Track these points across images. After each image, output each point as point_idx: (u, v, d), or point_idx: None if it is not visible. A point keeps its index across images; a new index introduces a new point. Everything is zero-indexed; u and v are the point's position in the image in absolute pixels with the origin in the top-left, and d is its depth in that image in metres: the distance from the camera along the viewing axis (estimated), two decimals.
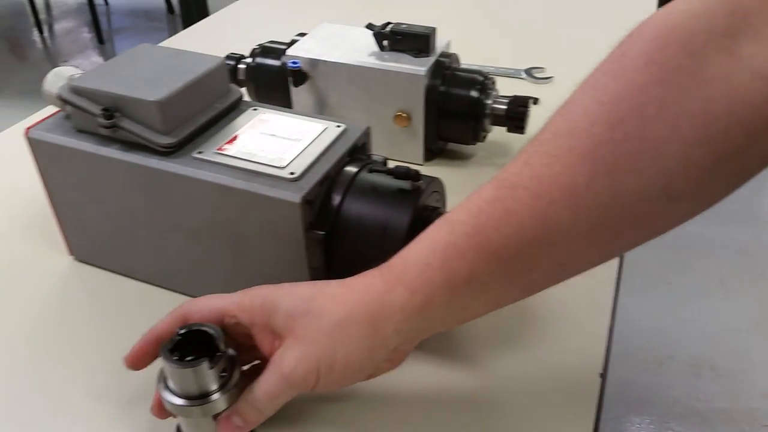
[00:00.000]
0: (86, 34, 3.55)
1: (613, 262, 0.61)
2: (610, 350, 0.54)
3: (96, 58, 3.27)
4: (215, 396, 0.40)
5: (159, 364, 0.41)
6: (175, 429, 0.44)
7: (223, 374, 0.40)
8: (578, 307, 0.57)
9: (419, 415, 0.48)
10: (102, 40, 3.40)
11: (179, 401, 0.40)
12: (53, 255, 0.62)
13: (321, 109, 0.75)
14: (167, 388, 0.40)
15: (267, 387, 0.41)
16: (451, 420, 0.47)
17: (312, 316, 0.41)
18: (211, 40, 1.11)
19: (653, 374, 1.46)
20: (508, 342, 0.53)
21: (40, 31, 3.53)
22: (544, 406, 0.48)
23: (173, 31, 3.71)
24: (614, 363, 0.55)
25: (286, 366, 0.41)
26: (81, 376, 0.51)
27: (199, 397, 0.40)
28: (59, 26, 3.71)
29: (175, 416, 0.42)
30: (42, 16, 3.61)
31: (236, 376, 0.41)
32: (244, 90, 0.78)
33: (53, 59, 3.35)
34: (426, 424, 0.47)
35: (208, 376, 0.39)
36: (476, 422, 0.47)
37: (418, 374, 0.50)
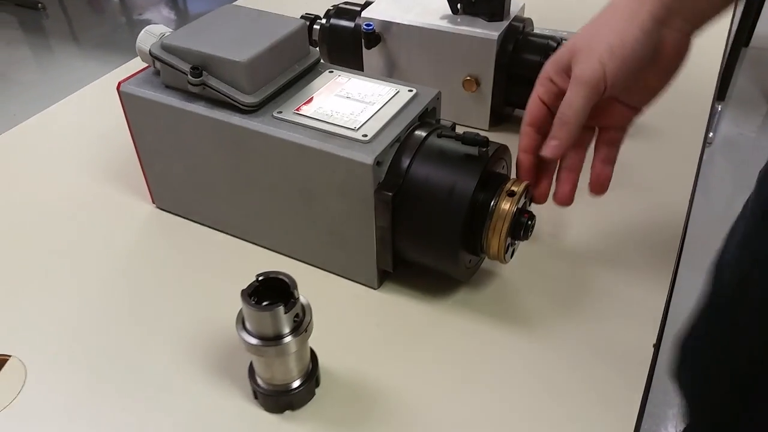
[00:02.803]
0: None
1: (676, 234, 0.61)
2: (665, 324, 0.55)
3: (167, 12, 3.35)
4: (287, 338, 0.43)
5: (235, 308, 0.45)
6: (248, 368, 0.48)
7: (296, 319, 0.44)
8: (637, 278, 0.57)
9: (478, 375, 0.50)
10: None
11: (255, 341, 0.43)
12: (136, 202, 0.67)
13: (390, 72, 0.77)
14: (245, 329, 0.44)
15: (565, 99, 0.49)
16: (507, 383, 0.50)
17: (586, 30, 0.49)
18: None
19: None
20: (566, 312, 0.55)
21: None
22: (599, 373, 0.50)
23: None
24: (664, 340, 0.56)
25: (575, 73, 0.48)
26: (157, 315, 0.55)
27: (273, 339, 0.43)
28: None
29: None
30: None
31: (307, 321, 0.44)
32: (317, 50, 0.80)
33: (128, 12, 3.45)
34: (484, 385, 0.50)
35: (283, 320, 0.43)
36: (531, 386, 0.49)
37: (479, 341, 0.53)
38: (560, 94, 0.50)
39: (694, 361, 0.74)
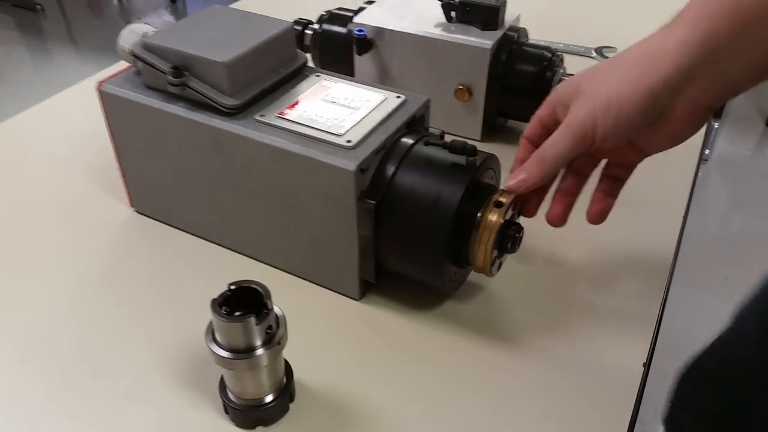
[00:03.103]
0: None
1: (669, 252, 0.60)
2: (656, 341, 0.54)
3: (167, 17, 3.34)
4: (259, 351, 0.41)
5: (204, 318, 0.43)
6: (219, 381, 0.46)
7: (269, 331, 0.42)
8: (628, 295, 0.56)
9: (461, 392, 0.48)
10: None
11: (224, 354, 0.41)
12: (115, 204, 0.65)
13: (382, 79, 0.75)
14: (214, 340, 0.42)
15: (551, 138, 0.46)
16: (491, 400, 0.48)
17: (594, 74, 0.45)
18: (280, 3, 1.12)
19: None
20: (553, 328, 0.53)
21: None
22: (586, 392, 0.48)
23: None
24: (657, 357, 0.54)
25: (569, 116, 0.45)
26: (127, 322, 0.53)
27: (244, 351, 0.41)
28: None
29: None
30: None
31: (281, 333, 0.42)
32: (309, 56, 0.78)
33: (127, 16, 3.44)
34: (467, 402, 0.48)
35: (254, 332, 0.41)
36: (515, 404, 0.47)
37: (463, 357, 0.51)
38: (558, 124, 0.47)
39: (696, 401, 0.69)
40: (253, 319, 0.40)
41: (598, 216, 0.51)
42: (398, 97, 0.54)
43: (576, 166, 0.51)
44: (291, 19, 0.67)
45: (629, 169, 0.51)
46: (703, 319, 0.84)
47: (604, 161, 0.51)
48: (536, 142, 0.50)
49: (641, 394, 0.49)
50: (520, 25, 0.75)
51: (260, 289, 0.41)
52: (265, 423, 0.45)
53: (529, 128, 0.51)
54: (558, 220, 0.51)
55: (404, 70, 0.73)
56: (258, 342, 0.41)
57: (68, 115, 0.81)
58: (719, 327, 0.66)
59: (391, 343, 0.52)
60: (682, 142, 0.45)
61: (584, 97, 0.44)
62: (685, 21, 0.41)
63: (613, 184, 0.51)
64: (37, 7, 3.22)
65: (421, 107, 0.54)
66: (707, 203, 1.93)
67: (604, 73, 0.45)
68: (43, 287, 0.57)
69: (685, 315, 1.50)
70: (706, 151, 2.10)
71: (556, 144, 0.46)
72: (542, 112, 0.49)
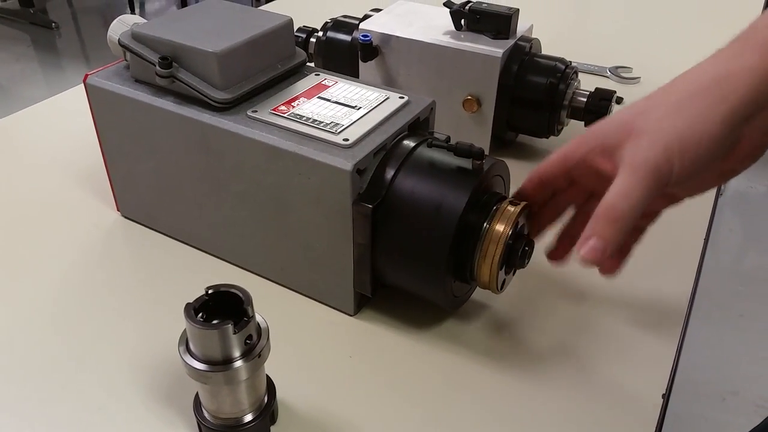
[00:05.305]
0: None
1: (687, 285, 0.55)
2: (675, 374, 0.49)
3: None
4: (237, 363, 0.37)
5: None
6: (194, 397, 0.42)
7: (248, 341, 0.37)
8: (645, 324, 0.51)
9: (462, 419, 0.44)
10: None
11: (198, 365, 0.37)
12: (102, 209, 0.62)
13: None
14: (188, 351, 0.38)
15: (618, 188, 0.37)
16: (494, 430, 0.43)
17: (649, 110, 0.38)
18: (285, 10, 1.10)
19: (714, 409, 1.36)
20: (565, 353, 0.48)
21: (132, 10, 3.65)
22: (600, 423, 0.43)
23: None
24: (672, 391, 0.50)
25: (633, 158, 0.37)
26: (103, 333, 0.49)
27: (220, 363, 0.37)
28: (150, 6, 3.83)
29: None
30: None
31: (262, 345, 0.38)
32: (312, 65, 0.76)
33: None
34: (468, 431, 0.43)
35: (232, 341, 0.36)
36: None
37: (464, 381, 0.46)
38: (593, 175, 0.41)
39: None
40: (230, 327, 0.36)
41: (607, 272, 0.45)
42: (401, 97, 0.50)
43: (589, 207, 0.42)
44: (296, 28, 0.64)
45: (654, 216, 0.45)
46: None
47: None
48: (552, 184, 0.44)
49: (661, 427, 0.44)
50: (533, 36, 0.72)
51: (240, 294, 0.37)
52: None
53: (547, 166, 0.44)
54: (561, 261, 0.47)
55: (410, 78, 0.70)
56: (236, 353, 0.37)
57: (61, 118, 0.78)
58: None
59: (386, 363, 0.47)
60: (730, 177, 0.40)
61: (647, 137, 0.38)
62: (753, 47, 0.37)
63: (630, 235, 0.43)
64: (53, 24, 3.25)
65: (425, 109, 0.50)
66: (722, 239, 1.89)
67: (662, 107, 0.38)
68: (18, 293, 0.53)
69: (699, 350, 1.45)
70: (722, 186, 2.06)
71: (628, 193, 0.37)
72: (569, 151, 0.42)
